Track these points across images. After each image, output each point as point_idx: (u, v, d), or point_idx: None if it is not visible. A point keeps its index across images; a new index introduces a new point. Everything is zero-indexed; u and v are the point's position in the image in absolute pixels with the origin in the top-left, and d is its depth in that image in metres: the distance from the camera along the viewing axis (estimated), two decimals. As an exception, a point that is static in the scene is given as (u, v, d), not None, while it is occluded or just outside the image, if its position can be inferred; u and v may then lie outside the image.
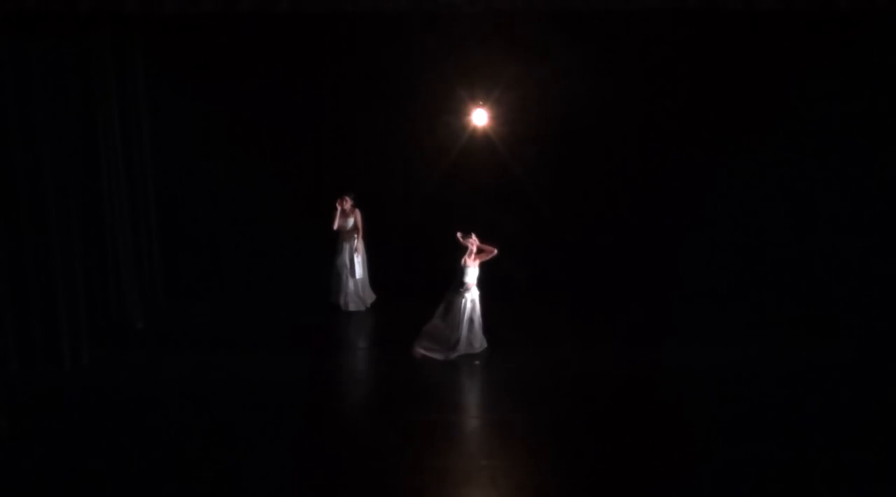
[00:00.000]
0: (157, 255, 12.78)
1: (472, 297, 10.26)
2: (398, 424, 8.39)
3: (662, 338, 11.03)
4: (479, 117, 13.23)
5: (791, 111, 12.65)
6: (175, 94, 13.04)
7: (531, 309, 12.38)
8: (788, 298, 12.41)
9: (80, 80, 10.50)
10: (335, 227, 12.26)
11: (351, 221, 12.33)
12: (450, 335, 10.25)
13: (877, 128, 12.19)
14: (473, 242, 10.23)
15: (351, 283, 12.38)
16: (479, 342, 10.43)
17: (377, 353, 10.86)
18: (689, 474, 7.31)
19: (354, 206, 12.33)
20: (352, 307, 12.40)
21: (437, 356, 10.21)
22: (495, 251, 10.22)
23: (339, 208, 12.24)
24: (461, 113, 13.33)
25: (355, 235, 12.36)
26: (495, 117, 13.32)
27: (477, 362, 10.19)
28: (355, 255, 12.33)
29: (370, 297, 12.61)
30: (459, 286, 10.19)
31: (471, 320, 10.25)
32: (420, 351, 10.29)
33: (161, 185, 12.90)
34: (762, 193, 13.04)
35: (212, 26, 12.35)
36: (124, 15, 10.98)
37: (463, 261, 10.18)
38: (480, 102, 13.20)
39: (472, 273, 10.21)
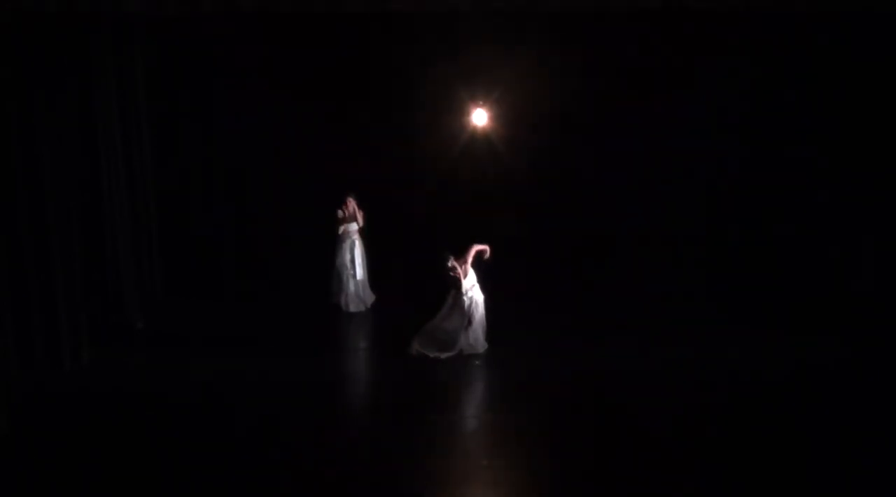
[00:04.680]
0: (157, 254, 12.78)
1: (473, 296, 10.27)
2: (398, 425, 8.39)
3: (663, 337, 11.01)
4: (479, 117, 13.24)
5: (791, 109, 12.64)
6: (175, 94, 13.05)
7: (531, 309, 12.37)
8: (788, 298, 12.39)
9: (80, 80, 10.50)
10: (340, 231, 12.29)
11: (354, 224, 12.34)
12: (447, 335, 10.27)
13: (877, 125, 12.17)
14: (463, 263, 10.24)
15: (352, 284, 12.38)
16: (482, 343, 10.43)
17: (377, 354, 10.86)
18: (689, 475, 7.30)
19: (358, 206, 12.35)
20: (352, 308, 12.39)
21: (432, 354, 10.22)
22: (473, 250, 10.25)
23: (344, 212, 12.27)
24: (461, 113, 13.34)
25: (358, 234, 12.37)
26: (495, 117, 13.34)
27: (477, 362, 10.19)
28: (356, 254, 12.33)
29: (370, 297, 12.60)
30: (459, 289, 10.21)
31: (469, 321, 10.24)
32: (416, 348, 10.30)
33: (161, 185, 12.90)
34: (763, 192, 13.03)
35: (212, 26, 12.37)
36: (124, 15, 11.03)
37: (456, 274, 10.20)
38: (480, 102, 13.22)
39: (469, 278, 10.26)
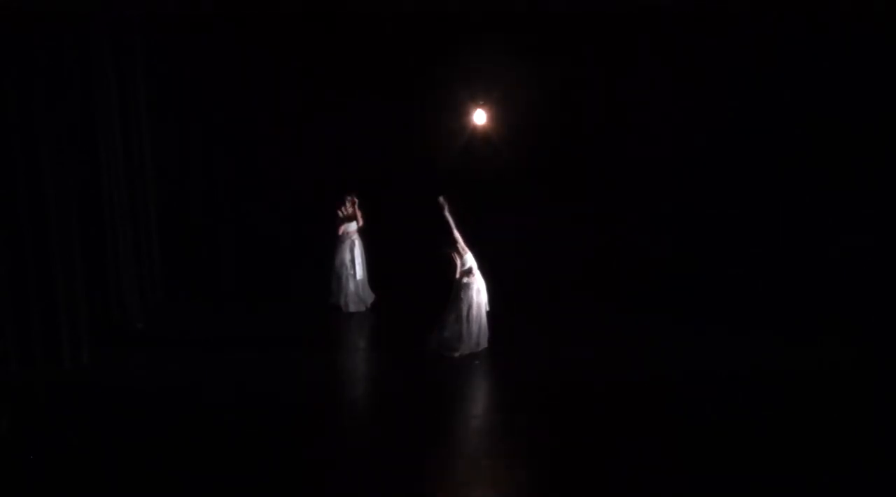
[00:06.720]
0: (157, 255, 12.77)
1: (473, 283, 10.24)
2: (398, 425, 8.39)
3: (663, 339, 11.00)
4: (479, 117, 13.25)
5: (790, 108, 12.64)
6: (175, 93, 13.05)
7: (532, 308, 12.37)
8: (789, 298, 12.39)
9: (80, 80, 10.49)
10: (340, 231, 12.29)
11: (354, 224, 12.35)
12: (455, 330, 10.26)
13: (877, 124, 12.16)
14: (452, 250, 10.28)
15: (351, 284, 12.38)
16: (483, 342, 10.42)
17: (377, 354, 10.86)
18: (689, 476, 7.30)
19: (358, 206, 12.36)
20: (352, 308, 12.39)
21: (447, 353, 10.23)
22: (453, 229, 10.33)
23: (343, 212, 12.27)
24: (461, 113, 13.35)
25: (357, 234, 12.38)
26: (495, 117, 13.35)
27: (477, 362, 10.19)
28: (356, 254, 12.33)
29: (370, 297, 12.61)
30: (463, 277, 10.20)
31: (469, 313, 10.21)
32: (433, 346, 10.31)
33: (161, 184, 12.90)
34: (762, 193, 13.03)
35: (212, 26, 12.37)
36: (124, 15, 11.03)
37: (457, 261, 10.23)
38: (480, 102, 13.23)
39: (468, 260, 10.26)
